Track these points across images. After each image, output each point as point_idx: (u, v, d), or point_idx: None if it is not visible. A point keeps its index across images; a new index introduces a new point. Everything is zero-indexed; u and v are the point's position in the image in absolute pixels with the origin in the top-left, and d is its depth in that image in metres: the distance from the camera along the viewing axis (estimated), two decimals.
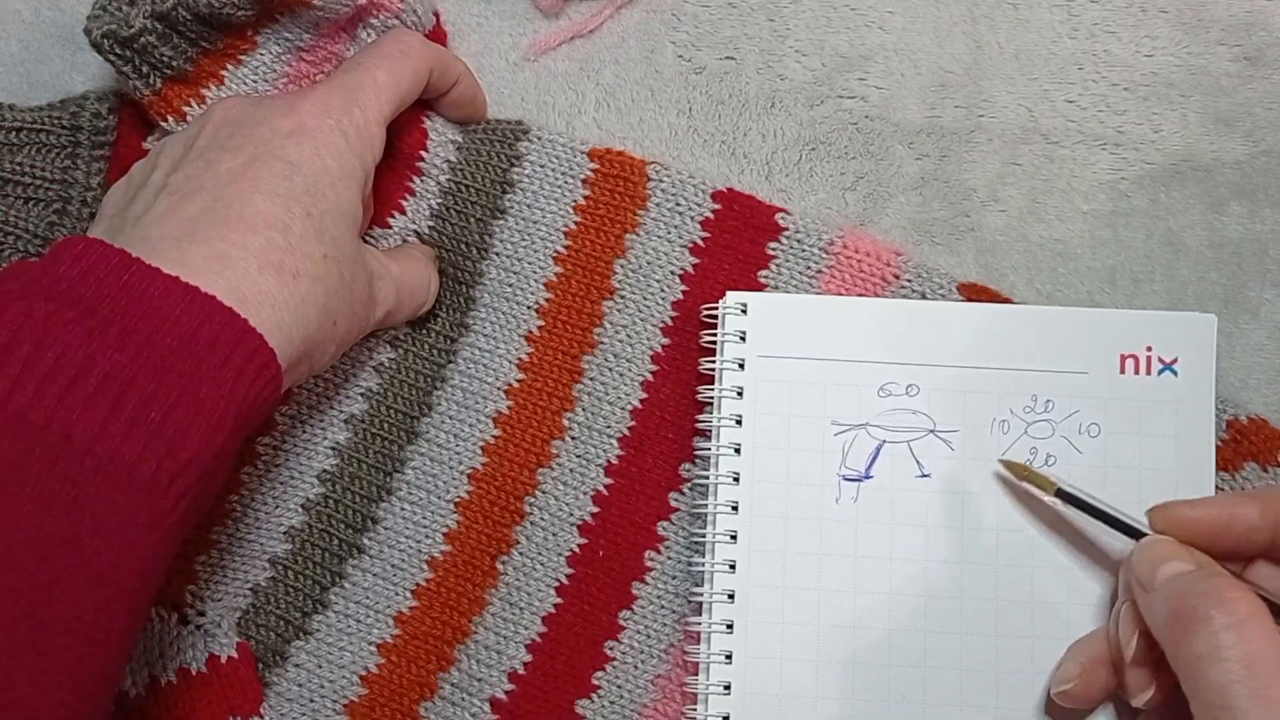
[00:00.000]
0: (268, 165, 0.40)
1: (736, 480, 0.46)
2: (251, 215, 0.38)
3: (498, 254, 0.48)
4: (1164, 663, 0.39)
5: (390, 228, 0.48)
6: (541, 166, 0.49)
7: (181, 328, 0.35)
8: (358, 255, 0.42)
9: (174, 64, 0.44)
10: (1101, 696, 0.42)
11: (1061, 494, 0.43)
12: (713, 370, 0.46)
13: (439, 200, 0.48)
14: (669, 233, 0.48)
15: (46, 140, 0.47)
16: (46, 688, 0.32)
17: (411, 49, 0.45)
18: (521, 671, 0.46)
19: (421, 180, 0.48)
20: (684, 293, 0.48)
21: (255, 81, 0.46)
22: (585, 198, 0.49)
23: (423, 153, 0.48)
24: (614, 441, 0.48)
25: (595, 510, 0.47)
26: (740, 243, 0.48)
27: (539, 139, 0.49)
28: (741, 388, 0.46)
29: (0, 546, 0.31)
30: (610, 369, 0.48)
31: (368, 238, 0.48)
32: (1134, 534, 0.42)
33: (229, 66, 0.45)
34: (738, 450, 0.46)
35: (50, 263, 0.35)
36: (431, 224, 0.48)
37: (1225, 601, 0.36)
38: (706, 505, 0.46)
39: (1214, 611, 0.36)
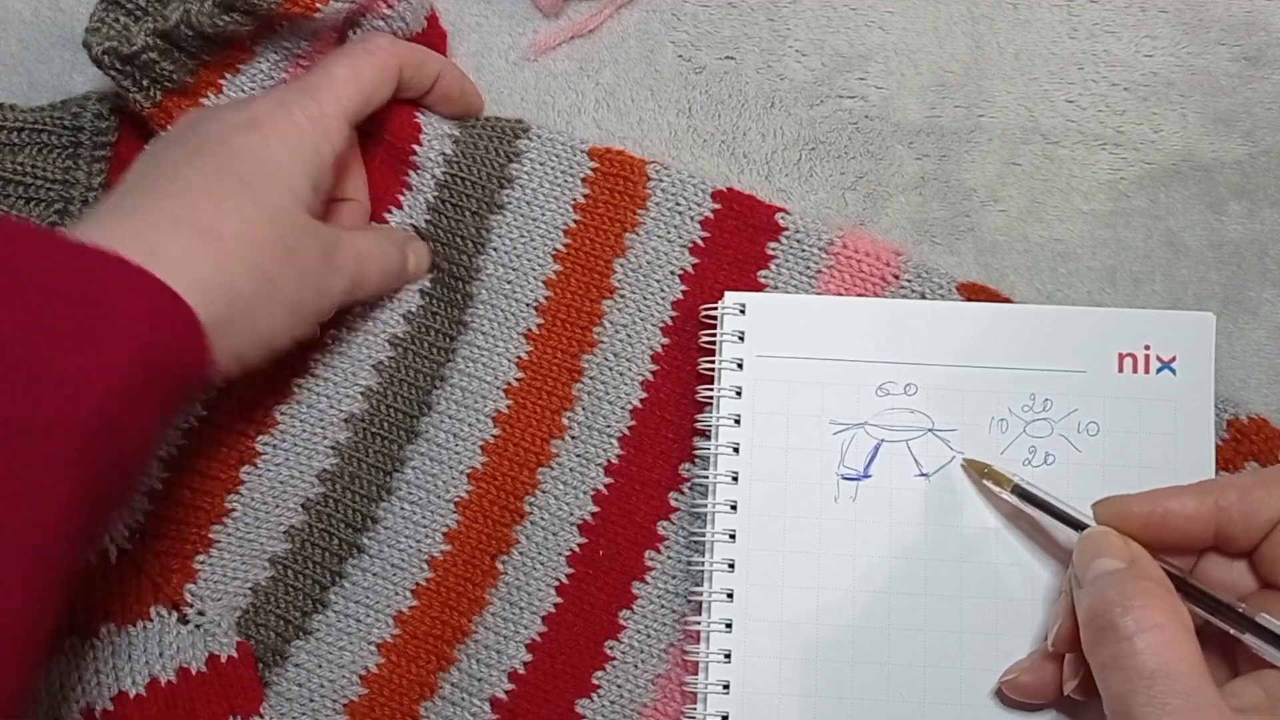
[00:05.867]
0: (210, 151, 0.40)
1: (735, 479, 0.46)
2: (179, 187, 0.39)
3: (495, 249, 0.48)
4: None
5: (386, 223, 0.48)
6: (541, 164, 0.49)
7: (72, 281, 0.34)
8: (305, 224, 0.42)
9: (175, 77, 0.44)
10: (1054, 691, 0.42)
11: (1018, 490, 0.43)
12: (711, 370, 0.46)
13: (434, 194, 0.48)
14: (669, 232, 0.48)
15: (48, 141, 0.47)
16: None
17: (377, 47, 0.45)
18: (521, 671, 0.46)
19: (417, 174, 0.48)
20: (684, 292, 0.48)
21: (252, 90, 0.46)
22: (585, 196, 0.49)
23: (416, 147, 0.48)
24: (614, 441, 0.48)
25: (595, 510, 0.47)
26: (740, 242, 0.48)
27: (538, 137, 0.49)
28: (740, 387, 0.46)
29: None
30: (610, 368, 0.48)
31: None
32: (1084, 529, 0.42)
33: (227, 75, 0.45)
34: (736, 450, 0.46)
35: None
36: (428, 218, 0.48)
37: (1132, 610, 0.36)
38: (706, 504, 0.46)
39: (1120, 619, 0.36)
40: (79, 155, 0.47)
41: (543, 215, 0.49)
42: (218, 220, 0.38)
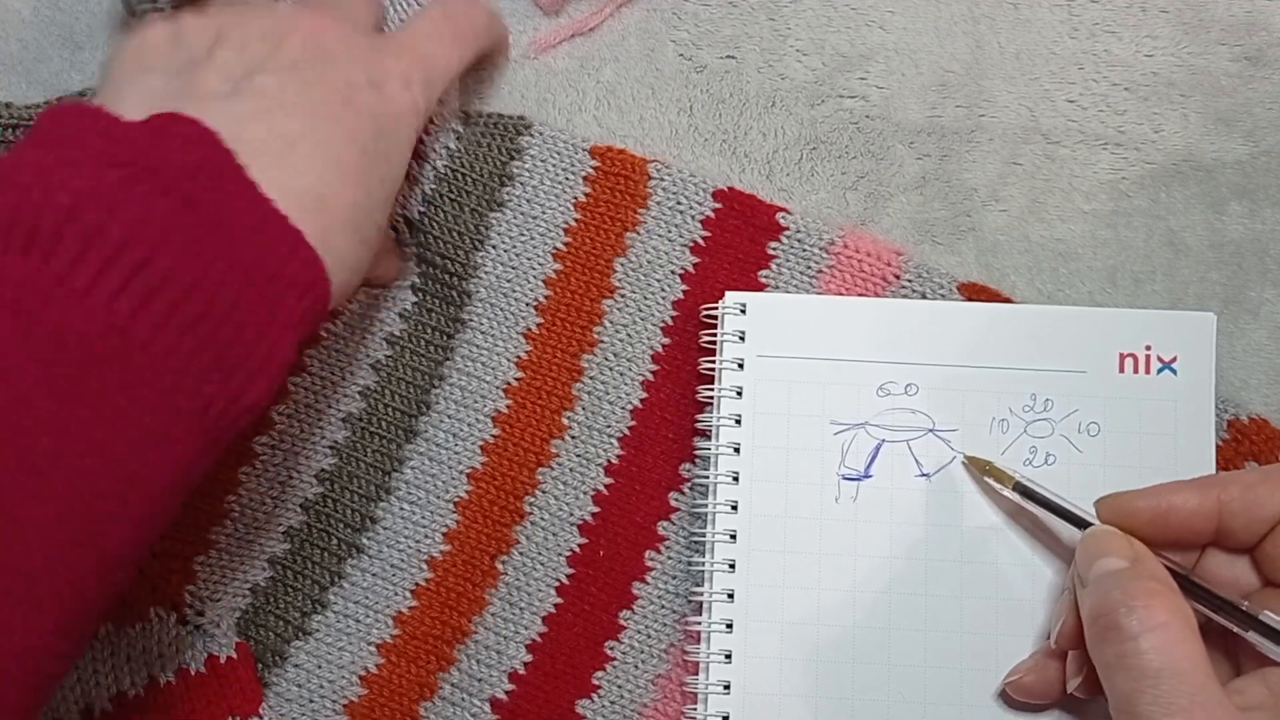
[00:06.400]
0: (360, 117, 0.39)
1: (736, 480, 0.45)
2: (348, 165, 0.37)
3: (494, 246, 0.48)
4: None
5: None
6: (542, 161, 0.49)
7: (274, 262, 0.34)
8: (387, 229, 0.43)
9: None
10: (1058, 690, 0.42)
11: (1020, 487, 0.43)
12: (712, 370, 0.46)
13: (432, 186, 0.48)
14: (669, 232, 0.48)
15: None
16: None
17: (482, 25, 0.46)
18: (522, 671, 0.46)
19: (417, 164, 0.48)
20: (684, 292, 0.48)
21: None
22: (586, 195, 0.49)
23: (423, 136, 0.47)
24: (614, 441, 0.48)
25: (595, 510, 0.47)
26: (741, 242, 0.48)
27: (540, 134, 0.49)
28: (741, 387, 0.46)
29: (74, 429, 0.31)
30: (610, 368, 0.48)
31: None
32: (1086, 526, 0.42)
33: None
34: (737, 450, 0.46)
35: (158, 142, 0.34)
36: (423, 209, 0.48)
37: (1136, 610, 0.36)
38: (706, 505, 0.46)
39: (1124, 619, 0.36)
40: None
41: (543, 213, 0.48)
42: (365, 224, 0.38)
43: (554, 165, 0.49)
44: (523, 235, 0.48)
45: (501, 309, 0.48)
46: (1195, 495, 0.40)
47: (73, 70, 0.51)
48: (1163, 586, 0.38)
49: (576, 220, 0.48)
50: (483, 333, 0.48)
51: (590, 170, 0.49)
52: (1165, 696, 0.35)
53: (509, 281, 0.48)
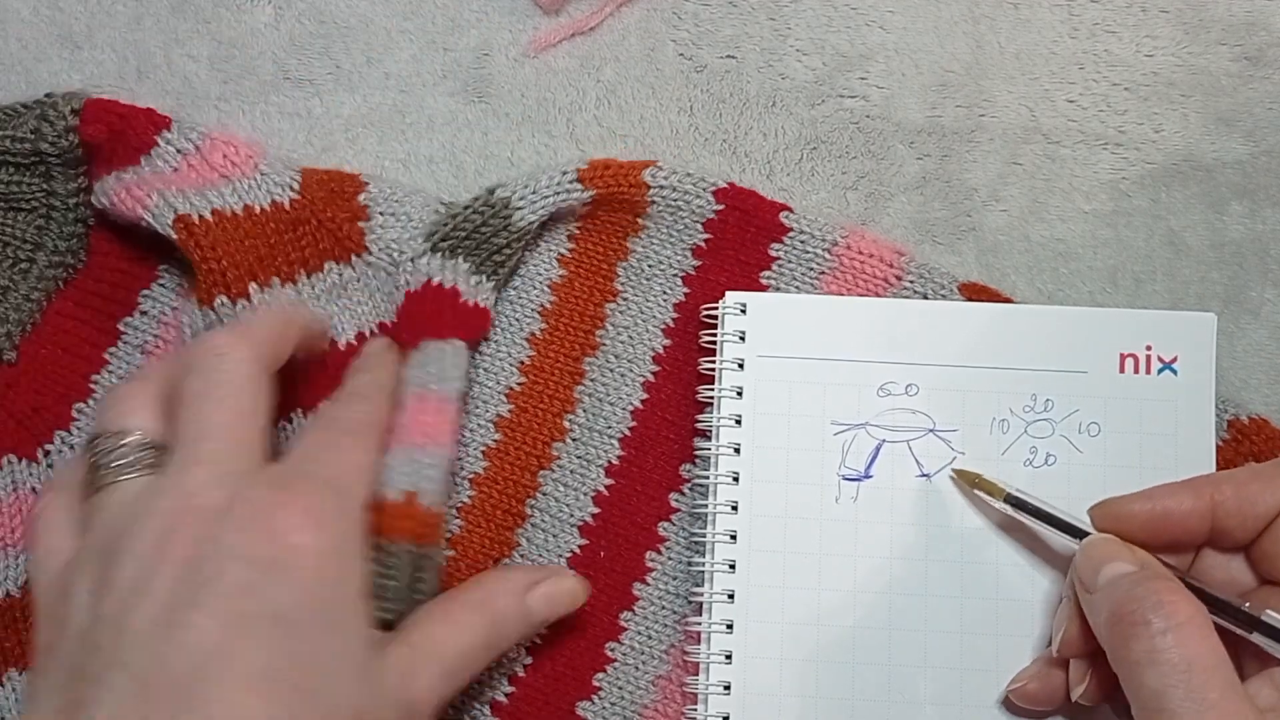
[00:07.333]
0: (251, 629, 0.32)
1: (736, 480, 0.45)
2: None
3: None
4: (1101, 657, 0.39)
5: None
6: (544, 172, 0.48)
7: None
8: (368, 681, 0.35)
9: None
10: (1061, 697, 0.42)
11: (1011, 499, 0.43)
12: (712, 370, 0.46)
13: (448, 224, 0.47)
14: (671, 235, 0.48)
15: (15, 161, 0.47)
16: None
17: (376, 403, 0.41)
18: (522, 674, 0.46)
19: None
20: (686, 294, 0.48)
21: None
22: (588, 202, 0.48)
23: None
24: (615, 442, 0.48)
25: (596, 511, 0.47)
26: (743, 243, 0.48)
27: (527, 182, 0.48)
28: (741, 388, 0.46)
29: None
30: (611, 370, 0.48)
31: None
32: (1081, 535, 0.42)
33: None
34: (737, 450, 0.46)
35: None
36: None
37: (1163, 605, 0.36)
38: (706, 505, 0.46)
39: (1152, 615, 0.36)
40: (50, 167, 0.47)
41: (548, 221, 0.48)
42: None
43: (553, 176, 0.48)
44: (528, 247, 0.48)
45: (507, 316, 0.48)
46: (1189, 497, 0.40)
47: (72, 70, 0.51)
48: (1177, 585, 0.38)
49: (578, 227, 0.48)
50: (488, 339, 0.48)
51: (594, 176, 0.48)
52: (1197, 691, 0.35)
53: (515, 289, 0.48)
